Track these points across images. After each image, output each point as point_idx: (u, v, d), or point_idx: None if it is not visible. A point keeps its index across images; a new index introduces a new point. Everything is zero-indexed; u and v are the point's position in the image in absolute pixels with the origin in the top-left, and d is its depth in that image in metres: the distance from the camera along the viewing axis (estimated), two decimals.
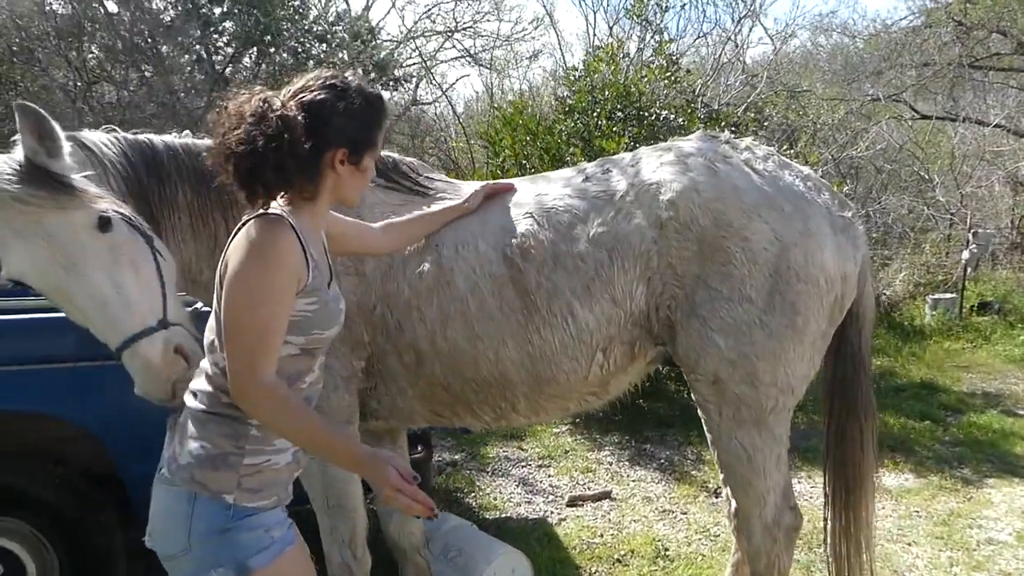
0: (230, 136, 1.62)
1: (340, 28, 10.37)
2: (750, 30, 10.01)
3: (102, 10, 8.08)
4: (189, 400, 1.73)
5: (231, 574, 1.59)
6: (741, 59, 11.23)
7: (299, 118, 1.62)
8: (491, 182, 2.50)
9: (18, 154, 1.83)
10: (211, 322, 1.73)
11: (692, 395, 2.48)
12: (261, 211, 1.66)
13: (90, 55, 7.60)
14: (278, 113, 1.61)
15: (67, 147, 1.90)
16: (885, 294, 9.93)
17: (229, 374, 1.60)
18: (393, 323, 2.38)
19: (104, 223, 1.83)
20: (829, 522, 2.63)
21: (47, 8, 7.55)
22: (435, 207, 2.43)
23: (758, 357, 2.30)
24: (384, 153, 2.54)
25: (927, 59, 10.79)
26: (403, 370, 2.43)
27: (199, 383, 1.73)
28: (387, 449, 2.78)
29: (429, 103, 11.03)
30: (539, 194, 2.43)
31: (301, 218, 1.72)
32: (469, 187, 2.65)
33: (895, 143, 11.62)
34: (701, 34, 10.99)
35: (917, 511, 4.23)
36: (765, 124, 7.49)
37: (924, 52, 10.85)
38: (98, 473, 2.69)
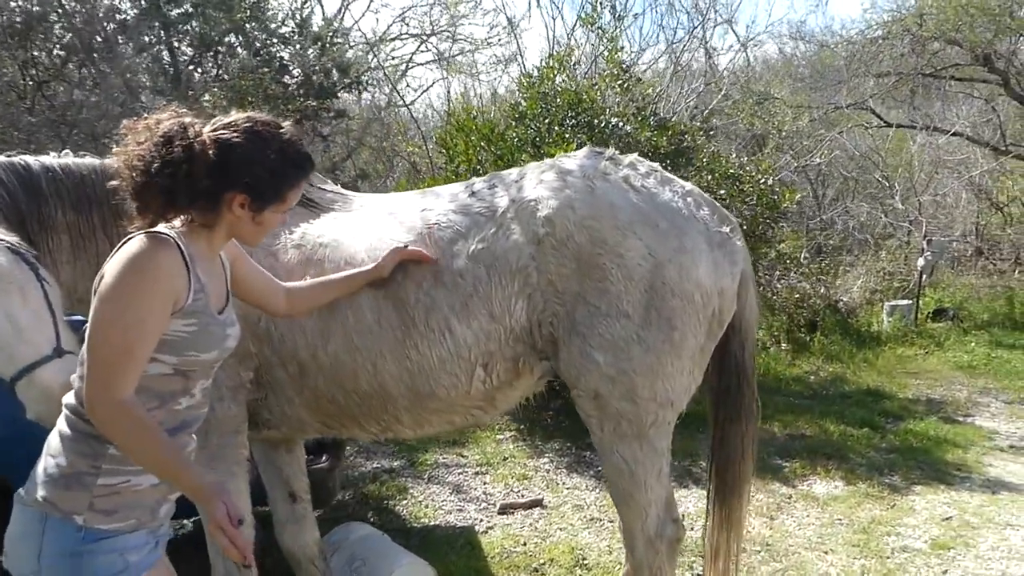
0: (134, 149, 1.63)
1: (306, 30, 10.34)
2: (706, 39, 10.02)
3: (58, 7, 8.00)
4: (61, 417, 1.71)
5: None
6: (712, 66, 11.32)
7: (209, 153, 1.62)
8: (401, 246, 2.34)
9: None
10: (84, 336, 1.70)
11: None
12: (147, 228, 1.66)
13: (42, 52, 7.53)
14: (186, 143, 1.61)
15: None
16: (843, 300, 10.04)
17: (85, 387, 1.59)
18: (277, 335, 2.39)
19: None
20: (707, 520, 2.71)
21: (3, 3, 7.49)
22: (343, 273, 2.33)
23: (636, 372, 2.33)
24: None
25: (886, 69, 10.93)
26: (289, 380, 2.44)
27: (67, 397, 1.71)
28: (282, 457, 2.80)
29: (388, 107, 11.03)
30: (424, 209, 2.44)
31: (195, 241, 1.72)
32: (363, 199, 2.66)
33: (856, 151, 11.75)
34: (672, 41, 11.04)
35: (840, 519, 4.28)
36: (712, 132, 7.55)
37: (882, 62, 10.99)
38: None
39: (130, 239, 1.65)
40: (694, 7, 9.90)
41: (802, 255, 9.40)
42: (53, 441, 1.70)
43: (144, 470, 1.68)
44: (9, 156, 2.24)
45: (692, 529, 4.01)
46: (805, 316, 9.10)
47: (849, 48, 11.45)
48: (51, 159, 2.28)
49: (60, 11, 8.01)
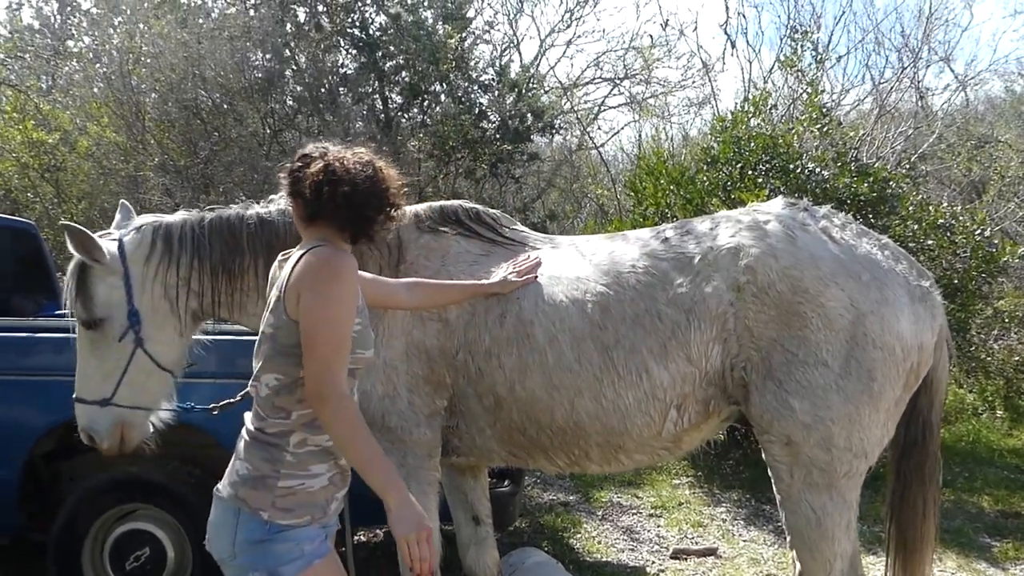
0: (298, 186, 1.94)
1: (504, 78, 10.96)
2: (918, 78, 9.38)
3: (294, 66, 9.12)
4: (246, 425, 1.98)
5: None
6: (925, 107, 10.60)
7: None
8: (515, 279, 2.54)
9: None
10: (257, 349, 1.94)
11: (763, 455, 2.48)
12: (321, 243, 1.90)
13: (278, 105, 8.59)
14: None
15: (107, 255, 2.46)
16: None
17: (307, 379, 1.82)
18: (474, 368, 2.55)
19: (87, 325, 2.48)
20: None
21: (251, 63, 8.66)
22: (460, 282, 2.55)
23: (833, 421, 2.31)
24: (468, 204, 2.78)
25: None
26: (483, 412, 2.59)
27: (251, 410, 1.98)
28: (468, 483, 2.99)
29: (578, 149, 11.36)
30: (618, 253, 2.55)
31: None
32: (554, 240, 2.79)
33: None
34: (879, 82, 10.46)
35: None
36: (919, 180, 7.06)
37: None
38: None
39: (312, 250, 1.87)
40: (904, 46, 9.37)
41: None
42: (240, 447, 1.96)
43: (316, 474, 1.90)
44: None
45: None
46: None
47: None
48: (249, 209, 2.69)
49: (294, 67, 9.13)
